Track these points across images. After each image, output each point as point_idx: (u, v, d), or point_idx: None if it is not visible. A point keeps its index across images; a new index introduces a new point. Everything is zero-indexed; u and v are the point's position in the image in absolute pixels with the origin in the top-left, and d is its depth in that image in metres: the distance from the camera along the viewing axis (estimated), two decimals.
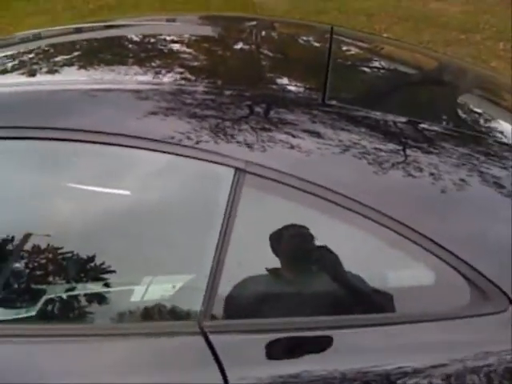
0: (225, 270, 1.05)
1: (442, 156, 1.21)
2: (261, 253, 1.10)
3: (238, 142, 1.13)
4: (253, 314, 1.08)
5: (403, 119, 1.31)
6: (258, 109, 1.25)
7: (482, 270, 1.04)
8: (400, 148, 1.24)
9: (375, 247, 1.11)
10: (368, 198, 1.09)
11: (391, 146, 1.23)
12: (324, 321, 1.06)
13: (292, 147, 1.14)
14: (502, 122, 1.61)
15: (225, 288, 1.06)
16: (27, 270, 1.24)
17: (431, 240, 1.06)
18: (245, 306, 1.08)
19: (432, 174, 1.16)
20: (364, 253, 1.12)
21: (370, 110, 1.29)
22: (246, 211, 1.08)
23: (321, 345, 1.05)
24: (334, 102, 1.29)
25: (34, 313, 1.16)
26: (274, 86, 1.42)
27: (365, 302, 1.09)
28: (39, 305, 1.16)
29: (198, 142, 1.12)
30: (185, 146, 1.11)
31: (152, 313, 1.13)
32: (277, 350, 1.05)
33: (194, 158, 1.11)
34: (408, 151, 1.23)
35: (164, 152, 1.12)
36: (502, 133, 1.50)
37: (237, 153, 1.11)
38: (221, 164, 1.10)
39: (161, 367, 1.03)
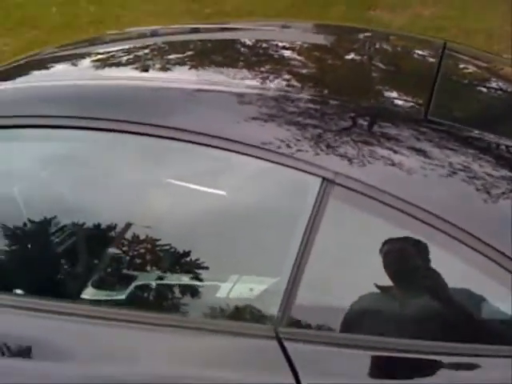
0: (304, 278, 1.04)
1: None
2: (342, 265, 1.08)
3: (330, 152, 1.12)
4: (330, 326, 1.06)
5: None
6: (357, 121, 1.23)
7: None
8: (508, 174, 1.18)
9: (471, 275, 1.05)
10: (469, 224, 1.03)
11: (499, 171, 1.17)
12: (412, 344, 1.01)
13: (388, 162, 1.11)
14: None
15: (303, 296, 1.05)
16: (124, 257, 1.31)
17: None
18: (323, 317, 1.07)
19: None
20: (458, 280, 1.07)
21: (479, 130, 1.24)
22: (332, 221, 1.06)
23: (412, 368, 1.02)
24: (436, 119, 1.24)
25: (123, 297, 1.22)
26: (378, 99, 1.40)
27: (460, 330, 1.03)
28: (129, 290, 1.22)
29: (292, 150, 1.12)
30: (279, 152, 1.12)
31: (230, 311, 1.14)
32: (362, 368, 1.02)
33: (286, 165, 1.11)
34: None
35: (258, 157, 1.13)
36: None
37: (327, 162, 1.10)
38: (309, 173, 1.09)
39: (234, 366, 1.04)
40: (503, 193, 1.11)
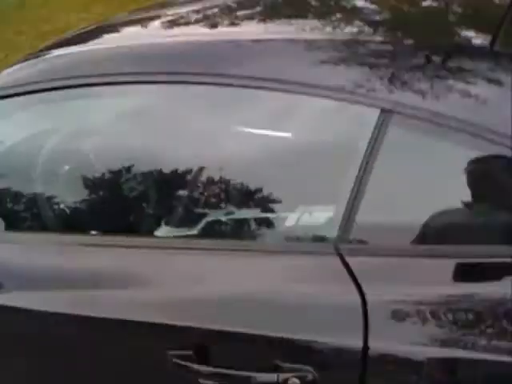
0: (363, 201, 1.11)
1: None
2: (401, 187, 1.14)
3: (389, 85, 1.18)
4: (388, 239, 1.12)
5: None
6: (417, 54, 1.28)
7: None
8: None
9: None
10: None
11: None
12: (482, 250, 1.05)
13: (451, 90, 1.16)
14: None
15: (362, 215, 1.11)
16: (196, 197, 1.42)
17: None
18: (382, 232, 1.12)
19: None
20: None
21: None
22: (392, 147, 1.12)
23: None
24: (502, 50, 1.26)
25: (196, 232, 1.31)
26: (441, 33, 1.41)
27: None
28: (201, 226, 1.32)
29: (351, 86, 1.18)
30: (337, 89, 1.18)
31: (295, 235, 1.24)
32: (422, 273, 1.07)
33: (345, 100, 1.18)
34: None
35: (317, 96, 1.20)
36: None
37: (384, 94, 1.15)
38: (367, 105, 1.15)
39: (303, 282, 1.12)
40: None
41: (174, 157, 1.42)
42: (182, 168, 1.41)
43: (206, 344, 1.13)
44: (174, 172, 1.42)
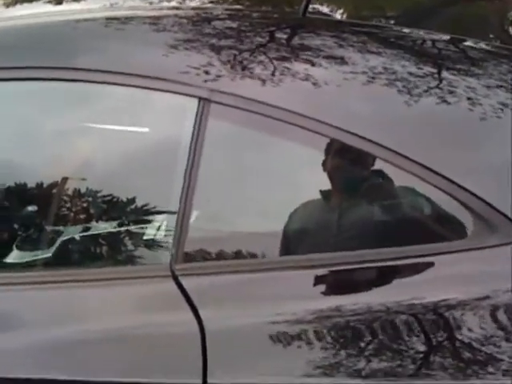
0: (194, 208, 0.97)
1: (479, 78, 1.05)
2: (232, 188, 1.01)
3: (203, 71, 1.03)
4: (225, 254, 0.98)
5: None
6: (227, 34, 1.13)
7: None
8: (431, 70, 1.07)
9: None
10: (374, 134, 0.95)
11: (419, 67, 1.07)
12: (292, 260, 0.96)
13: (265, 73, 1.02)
14: None
15: (196, 228, 0.98)
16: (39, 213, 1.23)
17: (430, 169, 0.92)
18: (218, 246, 0.99)
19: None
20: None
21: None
22: (213, 144, 0.98)
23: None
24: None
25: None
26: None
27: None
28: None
29: (166, 73, 1.03)
30: (151, 77, 1.03)
31: (125, 257, 1.08)
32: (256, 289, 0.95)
33: (161, 90, 1.03)
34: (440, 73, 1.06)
35: (130, 86, 1.05)
36: None
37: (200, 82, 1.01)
38: (184, 94, 1.00)
39: (135, 310, 0.98)
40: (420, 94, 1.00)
41: (18, 165, 1.23)
42: (26, 178, 1.21)
43: None
44: (19, 183, 1.23)
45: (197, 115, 0.98)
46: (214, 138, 0.98)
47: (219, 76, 1.01)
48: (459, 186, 0.91)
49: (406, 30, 1.23)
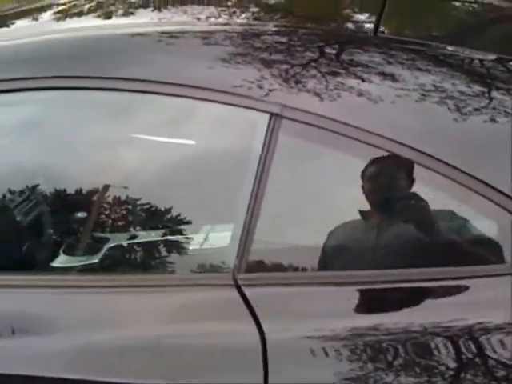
0: (260, 220, 0.98)
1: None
2: (297, 203, 1.03)
3: (276, 86, 1.05)
4: (289, 267, 1.01)
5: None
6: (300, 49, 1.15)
7: None
8: (481, 89, 1.10)
9: (441, 202, 1.00)
10: (432, 148, 0.97)
11: (469, 86, 1.10)
12: (366, 275, 0.97)
13: (339, 90, 1.04)
14: None
15: (260, 240, 0.99)
16: (88, 219, 1.26)
17: (502, 193, 0.93)
18: (280, 258, 1.01)
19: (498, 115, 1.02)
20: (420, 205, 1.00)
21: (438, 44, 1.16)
22: (283, 159, 1.00)
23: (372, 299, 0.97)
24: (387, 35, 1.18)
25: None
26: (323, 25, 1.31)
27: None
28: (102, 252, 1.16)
29: (237, 88, 1.05)
30: (222, 91, 1.05)
31: (188, 264, 1.09)
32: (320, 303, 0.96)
33: (232, 104, 1.05)
34: (490, 92, 1.08)
35: (200, 99, 1.07)
36: None
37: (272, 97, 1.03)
38: (255, 109, 1.03)
39: (196, 318, 0.99)
40: (475, 111, 1.02)
41: (67, 174, 1.26)
42: (74, 186, 1.24)
43: None
44: (67, 191, 1.26)
45: (268, 130, 1.01)
46: (283, 152, 1.01)
47: (286, 91, 1.04)
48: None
49: (452, 48, 1.26)
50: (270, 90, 1.04)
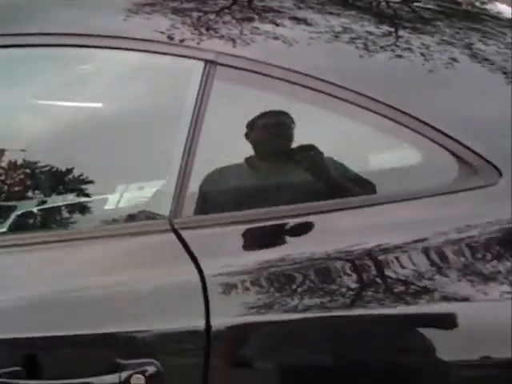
0: (195, 166, 1.02)
1: (432, 34, 1.14)
2: (234, 148, 1.07)
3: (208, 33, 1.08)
4: (225, 207, 1.04)
5: None
6: None
7: (470, 145, 0.99)
8: (388, 29, 1.16)
9: (358, 131, 1.07)
10: (349, 81, 1.04)
11: (377, 27, 1.16)
12: (301, 208, 1.01)
13: (270, 35, 1.09)
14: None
15: (195, 185, 1.03)
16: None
17: (417, 119, 1.01)
18: (216, 201, 1.05)
19: (420, 54, 1.10)
20: (346, 138, 1.09)
21: None
22: (217, 105, 1.04)
23: (300, 230, 1.02)
24: None
25: (4, 229, 1.13)
26: None
27: (344, 186, 1.04)
28: (11, 220, 1.13)
29: (167, 36, 1.07)
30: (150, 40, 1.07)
31: (125, 216, 1.11)
32: (254, 239, 1.02)
33: (162, 53, 1.07)
34: (397, 32, 1.16)
35: (128, 49, 1.08)
36: (494, 9, 1.38)
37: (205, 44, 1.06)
38: (189, 57, 1.05)
39: (136, 264, 1.00)
40: (377, 45, 1.10)
41: None
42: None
43: (36, 355, 0.98)
44: None
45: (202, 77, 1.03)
46: (218, 98, 1.04)
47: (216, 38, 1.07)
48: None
49: None
50: (200, 38, 1.07)
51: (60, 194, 1.16)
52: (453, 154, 1.00)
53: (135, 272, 0.99)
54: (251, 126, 1.06)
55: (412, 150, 1.06)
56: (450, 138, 1.00)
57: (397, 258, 0.95)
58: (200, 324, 0.93)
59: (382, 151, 1.09)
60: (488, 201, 0.97)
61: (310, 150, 1.05)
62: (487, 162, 0.98)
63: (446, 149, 1.00)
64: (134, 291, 0.98)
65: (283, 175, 1.08)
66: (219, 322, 0.94)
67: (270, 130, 1.07)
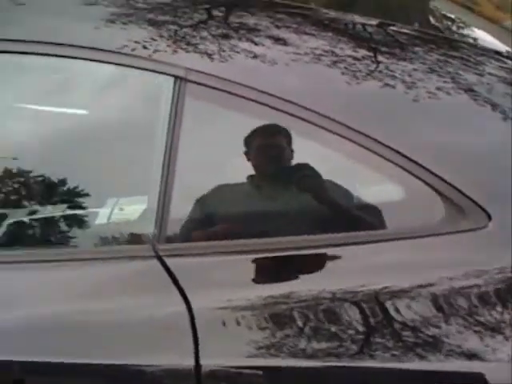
0: (175, 188, 0.97)
1: (413, 62, 1.12)
2: (210, 168, 1.02)
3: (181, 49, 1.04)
4: (209, 235, 0.99)
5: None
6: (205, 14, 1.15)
7: (457, 185, 0.95)
8: (367, 54, 1.15)
9: (336, 162, 1.02)
10: (328, 108, 0.99)
11: (355, 50, 1.15)
12: (278, 242, 0.97)
13: (242, 54, 1.05)
14: (475, 28, 1.51)
15: (177, 209, 0.97)
16: None
17: (399, 153, 0.96)
18: (200, 227, 1.00)
19: (402, 82, 1.07)
20: (322, 168, 1.01)
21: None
22: (190, 124, 0.99)
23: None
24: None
25: None
26: None
27: (323, 222, 1.00)
28: None
29: (139, 50, 1.02)
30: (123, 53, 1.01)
31: (103, 238, 1.04)
32: (247, 272, 0.97)
33: (134, 67, 1.02)
34: (377, 57, 1.14)
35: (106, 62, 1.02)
36: (475, 38, 1.41)
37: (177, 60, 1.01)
38: (160, 72, 1.00)
39: (119, 292, 0.95)
40: (357, 72, 1.07)
41: None
42: None
43: (26, 380, 0.92)
44: None
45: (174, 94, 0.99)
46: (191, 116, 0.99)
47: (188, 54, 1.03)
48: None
49: (334, 13, 1.31)
50: (172, 53, 1.02)
51: (32, 213, 1.07)
52: (438, 192, 0.95)
53: (114, 300, 0.93)
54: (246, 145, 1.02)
55: (393, 185, 1.00)
56: (434, 174, 0.95)
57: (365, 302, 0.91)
58: (189, 363, 0.88)
59: (361, 184, 1.03)
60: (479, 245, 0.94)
61: (299, 173, 1.01)
62: (474, 203, 0.94)
63: (431, 186, 0.96)
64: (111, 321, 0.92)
65: (272, 199, 1.04)
66: (210, 362, 0.89)
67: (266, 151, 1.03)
